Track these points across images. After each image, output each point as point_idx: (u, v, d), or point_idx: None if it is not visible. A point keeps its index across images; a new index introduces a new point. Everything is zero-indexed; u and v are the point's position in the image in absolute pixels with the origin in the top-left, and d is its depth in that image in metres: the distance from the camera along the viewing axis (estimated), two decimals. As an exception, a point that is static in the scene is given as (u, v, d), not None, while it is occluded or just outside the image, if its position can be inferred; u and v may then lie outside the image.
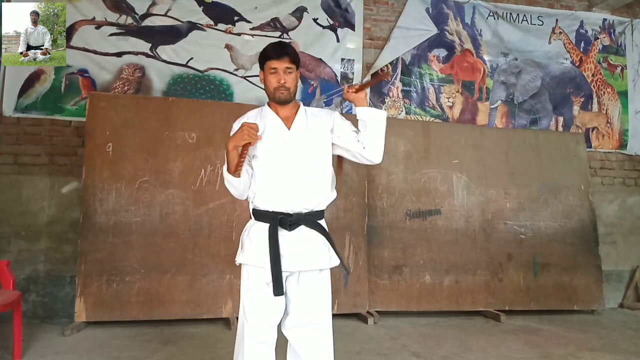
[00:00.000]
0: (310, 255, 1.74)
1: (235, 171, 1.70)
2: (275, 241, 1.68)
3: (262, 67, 1.82)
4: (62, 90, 4.06)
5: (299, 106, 1.85)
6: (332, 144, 1.84)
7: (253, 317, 1.73)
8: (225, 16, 4.41)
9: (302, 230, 1.74)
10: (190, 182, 3.75)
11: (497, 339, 3.47)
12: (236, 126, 1.85)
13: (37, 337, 3.25)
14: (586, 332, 3.73)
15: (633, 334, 3.74)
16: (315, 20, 4.59)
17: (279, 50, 1.77)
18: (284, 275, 1.72)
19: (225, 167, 1.77)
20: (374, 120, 1.76)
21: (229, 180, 1.76)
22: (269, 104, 1.85)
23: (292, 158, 1.75)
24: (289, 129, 1.79)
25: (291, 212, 1.72)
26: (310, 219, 1.75)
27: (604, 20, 5.34)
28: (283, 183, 1.73)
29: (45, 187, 3.93)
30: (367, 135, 1.77)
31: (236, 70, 4.38)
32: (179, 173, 3.74)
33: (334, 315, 3.83)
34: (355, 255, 3.98)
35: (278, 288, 1.67)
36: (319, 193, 1.78)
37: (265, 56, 1.79)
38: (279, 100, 1.78)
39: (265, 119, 1.81)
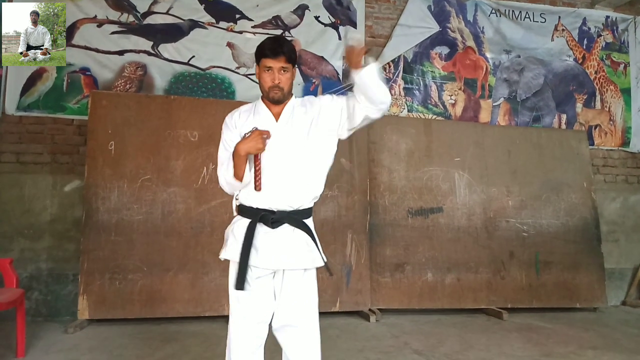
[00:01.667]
0: (292, 254, 1.70)
1: (257, 184, 1.68)
2: (250, 237, 1.66)
3: (257, 62, 1.77)
4: (64, 88, 4.06)
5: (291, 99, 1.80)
6: (333, 126, 1.76)
7: (240, 313, 1.71)
8: (226, 14, 4.41)
9: (286, 228, 1.70)
10: (192, 181, 3.75)
11: (499, 337, 3.47)
12: (229, 120, 1.81)
13: (40, 334, 3.26)
14: (588, 330, 3.72)
15: (635, 332, 3.73)
16: (316, 18, 4.58)
17: (276, 49, 1.70)
18: (268, 272, 1.70)
19: (226, 171, 1.71)
20: (368, 80, 1.65)
21: (233, 184, 1.72)
22: (262, 99, 1.81)
23: (278, 153, 1.70)
24: (277, 122, 1.75)
25: (274, 210, 1.69)
26: (295, 218, 1.71)
27: (607, 17, 5.32)
28: (267, 179, 1.69)
29: (47, 185, 3.93)
30: (365, 94, 1.67)
31: (238, 68, 4.37)
32: (181, 171, 3.75)
33: (336, 313, 3.87)
34: (357, 253, 3.98)
35: (240, 282, 1.65)
36: (305, 192, 1.73)
37: (261, 53, 1.73)
38: (272, 100, 1.74)
39: (257, 114, 1.77)
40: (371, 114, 1.71)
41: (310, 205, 1.77)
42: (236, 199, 1.78)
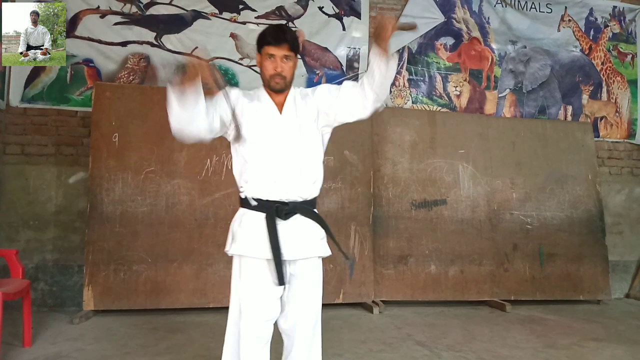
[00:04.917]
0: (307, 244, 1.71)
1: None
2: (274, 231, 1.64)
3: (259, 51, 1.73)
4: (68, 80, 4.05)
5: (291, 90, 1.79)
6: (327, 113, 1.76)
7: (251, 310, 1.68)
8: (230, 4, 4.37)
9: (298, 219, 1.70)
10: (195, 172, 3.76)
11: (503, 329, 3.47)
12: (230, 90, 1.72)
13: (46, 324, 3.29)
14: (591, 322, 3.72)
15: (639, 324, 3.74)
16: (320, 8, 4.54)
17: (278, 36, 1.67)
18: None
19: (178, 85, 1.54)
20: (388, 69, 1.63)
21: (185, 100, 1.53)
22: (264, 87, 1.78)
23: (286, 144, 1.69)
24: (281, 114, 1.73)
25: (287, 201, 1.67)
26: (306, 207, 1.72)
27: (614, 7, 5.25)
28: (278, 171, 1.67)
29: (52, 177, 3.95)
30: (376, 80, 1.63)
31: (241, 59, 4.35)
32: (185, 163, 3.75)
33: (339, 305, 3.89)
34: (361, 245, 3.99)
35: (281, 278, 1.63)
36: (313, 181, 1.73)
37: (263, 41, 1.70)
38: (274, 89, 1.72)
39: (259, 100, 1.75)
40: (364, 108, 1.72)
41: (317, 194, 1.78)
42: (242, 191, 1.74)
